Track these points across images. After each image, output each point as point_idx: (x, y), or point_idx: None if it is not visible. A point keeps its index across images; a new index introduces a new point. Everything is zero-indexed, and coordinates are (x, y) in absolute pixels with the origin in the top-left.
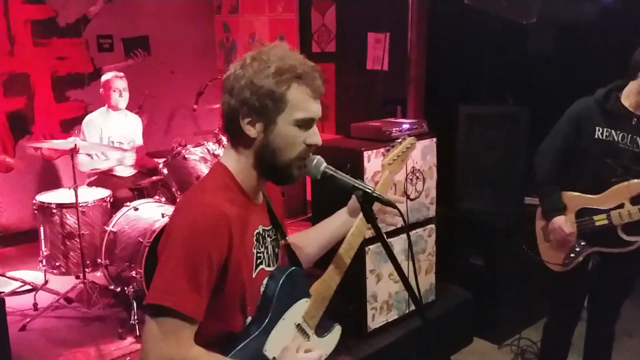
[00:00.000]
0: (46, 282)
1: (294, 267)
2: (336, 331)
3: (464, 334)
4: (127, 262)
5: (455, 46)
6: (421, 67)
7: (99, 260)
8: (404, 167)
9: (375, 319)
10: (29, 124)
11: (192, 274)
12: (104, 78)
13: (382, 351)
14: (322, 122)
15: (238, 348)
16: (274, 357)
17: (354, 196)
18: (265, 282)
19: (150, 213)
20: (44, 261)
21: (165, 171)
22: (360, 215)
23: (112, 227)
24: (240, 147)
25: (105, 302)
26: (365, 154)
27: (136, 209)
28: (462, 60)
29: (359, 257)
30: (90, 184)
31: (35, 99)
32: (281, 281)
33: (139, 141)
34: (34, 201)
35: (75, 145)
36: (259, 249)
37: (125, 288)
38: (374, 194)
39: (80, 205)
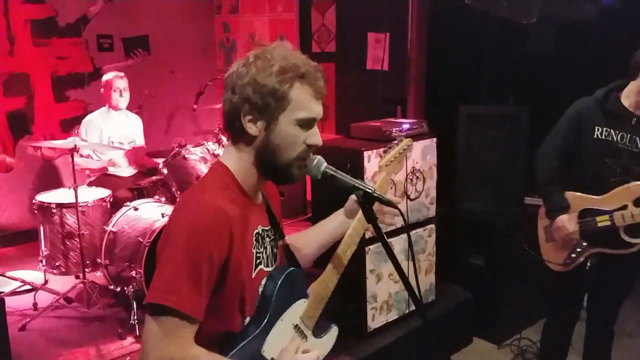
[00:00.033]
0: (46, 282)
1: (292, 268)
2: (333, 332)
3: (464, 334)
4: (127, 262)
5: (455, 46)
6: (421, 67)
7: (99, 260)
8: (401, 168)
9: (375, 319)
10: (29, 123)
11: (193, 273)
12: (104, 78)
13: (382, 351)
14: (322, 122)
15: (237, 349)
16: (272, 358)
17: (351, 197)
18: (263, 282)
19: (150, 213)
20: (43, 261)
21: (165, 171)
22: (358, 216)
23: (112, 227)
24: (241, 146)
25: (105, 302)
26: (366, 154)
27: (136, 209)
28: (462, 60)
29: (359, 257)
30: (90, 184)
31: (35, 98)
32: (280, 282)
33: (140, 141)
34: (34, 201)
35: (75, 145)
36: (259, 249)
37: (125, 288)
38: (375, 194)
39: (80, 205)
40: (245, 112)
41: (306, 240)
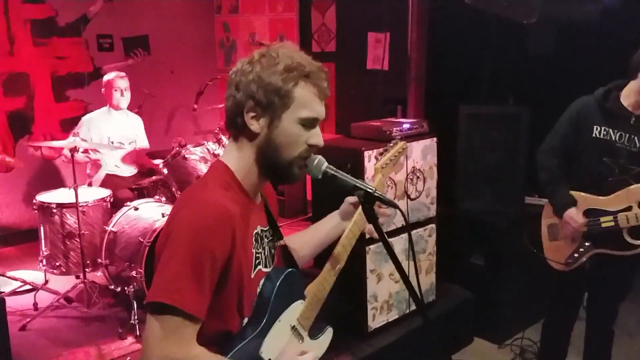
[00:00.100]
0: (46, 281)
1: (290, 269)
2: (328, 333)
3: (464, 333)
4: (127, 262)
5: (455, 46)
6: (421, 67)
7: (99, 260)
8: (399, 169)
9: (376, 319)
10: (29, 123)
11: (196, 272)
12: (105, 78)
13: (382, 351)
14: (322, 122)
15: (235, 349)
16: (270, 359)
17: (346, 200)
18: (261, 283)
19: (150, 213)
20: (44, 261)
21: (165, 171)
22: (355, 218)
23: (112, 226)
24: (242, 144)
25: (106, 302)
26: (366, 153)
27: (136, 209)
28: (463, 60)
29: (360, 257)
30: (90, 184)
31: (35, 98)
32: (278, 283)
33: (142, 141)
34: (34, 201)
35: (76, 145)
36: (258, 250)
37: (126, 288)
38: (376, 194)
39: (81, 205)
40: (248, 108)
41: (302, 241)
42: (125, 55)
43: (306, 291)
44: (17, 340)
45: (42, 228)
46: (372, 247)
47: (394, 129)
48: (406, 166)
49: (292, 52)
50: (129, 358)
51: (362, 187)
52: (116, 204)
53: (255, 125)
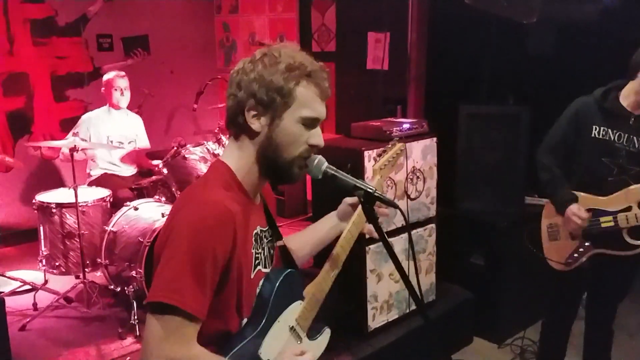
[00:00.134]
0: (46, 281)
1: (289, 269)
2: (326, 334)
3: (464, 333)
4: (127, 262)
5: (455, 46)
6: (421, 67)
7: (99, 260)
8: (399, 169)
9: (376, 319)
10: (29, 123)
11: (197, 272)
12: (105, 77)
13: (382, 351)
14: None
15: (235, 350)
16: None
17: (344, 201)
18: (261, 283)
19: (150, 213)
20: (43, 261)
21: (165, 171)
22: (353, 219)
23: (112, 226)
24: (243, 143)
25: (105, 302)
26: (366, 153)
27: (136, 209)
28: (462, 60)
29: (360, 256)
30: (90, 184)
31: (35, 98)
32: (277, 283)
33: (143, 141)
34: (34, 201)
35: (75, 145)
36: (257, 250)
37: (125, 288)
38: (376, 194)
39: (80, 205)
40: (249, 107)
41: (300, 241)
42: (125, 55)
43: (305, 292)
44: (16, 340)
45: (41, 228)
46: (372, 247)
47: (394, 129)
48: (406, 166)
49: (293, 52)
50: (128, 358)
51: (362, 187)
52: (116, 204)
53: (256, 124)
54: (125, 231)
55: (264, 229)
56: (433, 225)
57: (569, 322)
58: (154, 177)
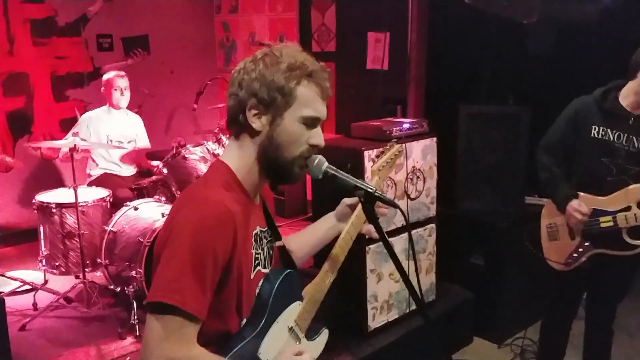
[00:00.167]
0: (46, 281)
1: (288, 270)
2: (324, 334)
3: (464, 333)
4: (127, 262)
5: (455, 46)
6: (421, 67)
7: (99, 260)
8: (395, 170)
9: (376, 319)
10: (29, 123)
11: (198, 272)
12: (105, 77)
13: (382, 351)
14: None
15: (234, 351)
16: None
17: (343, 201)
18: (260, 284)
19: (150, 213)
20: (43, 261)
21: (165, 171)
22: (352, 220)
23: (112, 226)
24: (243, 142)
25: (105, 302)
26: (366, 153)
27: (136, 209)
28: (462, 60)
29: (360, 256)
30: (90, 184)
31: (35, 98)
32: (277, 284)
33: (143, 141)
34: (34, 201)
35: (75, 144)
36: (257, 250)
37: (125, 288)
38: (377, 194)
39: (80, 204)
40: (251, 106)
41: (298, 242)
42: (125, 55)
43: (304, 292)
44: (16, 340)
45: (41, 228)
46: (372, 246)
47: (394, 128)
48: (406, 166)
49: (295, 52)
50: (128, 358)
51: (362, 186)
52: (116, 204)
53: (257, 123)
54: (125, 231)
55: (264, 230)
56: (433, 225)
57: (568, 322)
58: (154, 177)
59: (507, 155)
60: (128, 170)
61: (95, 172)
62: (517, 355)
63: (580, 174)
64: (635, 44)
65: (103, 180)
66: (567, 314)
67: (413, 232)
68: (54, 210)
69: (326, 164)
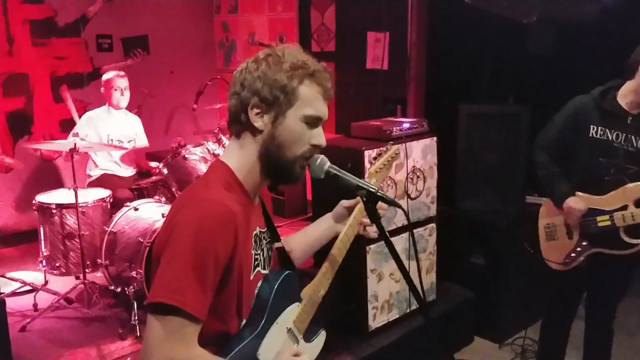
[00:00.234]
0: (46, 282)
1: (287, 271)
2: (322, 336)
3: (465, 333)
4: (128, 263)
5: (455, 46)
6: (421, 67)
7: (99, 260)
8: (389, 173)
9: (377, 319)
10: (29, 124)
11: (199, 272)
12: (105, 77)
13: (383, 350)
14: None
15: (234, 352)
16: None
17: (341, 203)
18: (259, 285)
19: (150, 213)
20: (43, 262)
21: (165, 171)
22: (350, 221)
23: (112, 227)
24: (245, 141)
25: (106, 303)
26: (366, 153)
27: (136, 209)
28: (462, 60)
29: (360, 256)
30: (90, 184)
31: (35, 99)
32: (276, 285)
33: (142, 140)
34: (34, 201)
35: (75, 145)
36: (257, 251)
37: (126, 288)
38: (379, 193)
39: (80, 205)
40: (253, 104)
41: (295, 243)
42: (124, 55)
43: (302, 294)
44: (17, 341)
45: (41, 229)
46: (372, 246)
47: (394, 128)
48: (406, 165)
49: (297, 52)
50: (129, 359)
51: (365, 186)
52: (116, 205)
53: (259, 122)
54: (126, 231)
55: (263, 230)
56: (433, 224)
57: (568, 322)
58: (154, 178)
59: (507, 155)
60: (128, 171)
61: (95, 173)
62: (518, 355)
63: (579, 173)
64: (635, 44)
65: (103, 181)
66: (567, 313)
67: (414, 231)
68: (54, 211)
69: (328, 163)
